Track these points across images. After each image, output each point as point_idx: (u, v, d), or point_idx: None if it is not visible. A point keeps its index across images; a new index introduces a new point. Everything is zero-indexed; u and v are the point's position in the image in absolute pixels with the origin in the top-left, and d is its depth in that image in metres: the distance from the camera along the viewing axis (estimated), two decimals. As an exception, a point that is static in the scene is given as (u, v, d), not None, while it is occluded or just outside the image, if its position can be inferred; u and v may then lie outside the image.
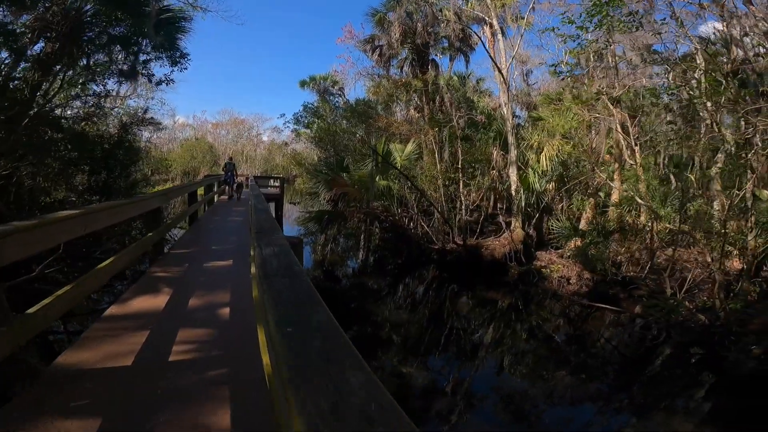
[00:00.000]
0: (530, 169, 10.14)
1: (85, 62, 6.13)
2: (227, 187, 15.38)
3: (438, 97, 16.17)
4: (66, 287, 2.43)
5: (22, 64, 6.35)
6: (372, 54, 15.79)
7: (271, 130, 63.90)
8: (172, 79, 7.86)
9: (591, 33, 9.47)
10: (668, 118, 13.93)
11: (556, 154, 9.80)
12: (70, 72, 6.18)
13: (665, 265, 8.93)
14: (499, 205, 10.99)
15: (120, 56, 6.40)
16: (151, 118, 8.88)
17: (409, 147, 10.74)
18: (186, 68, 7.54)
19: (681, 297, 7.21)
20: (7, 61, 6.48)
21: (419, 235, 11.38)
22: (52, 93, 6.00)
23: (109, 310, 3.26)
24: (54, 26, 5.51)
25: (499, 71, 10.66)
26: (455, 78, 19.15)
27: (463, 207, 9.82)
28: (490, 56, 11.15)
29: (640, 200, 8.09)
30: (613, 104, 11.02)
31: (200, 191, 11.95)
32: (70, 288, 2.46)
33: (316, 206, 11.40)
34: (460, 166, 9.83)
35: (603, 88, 11.63)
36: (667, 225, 8.09)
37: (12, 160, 5.75)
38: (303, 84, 22.66)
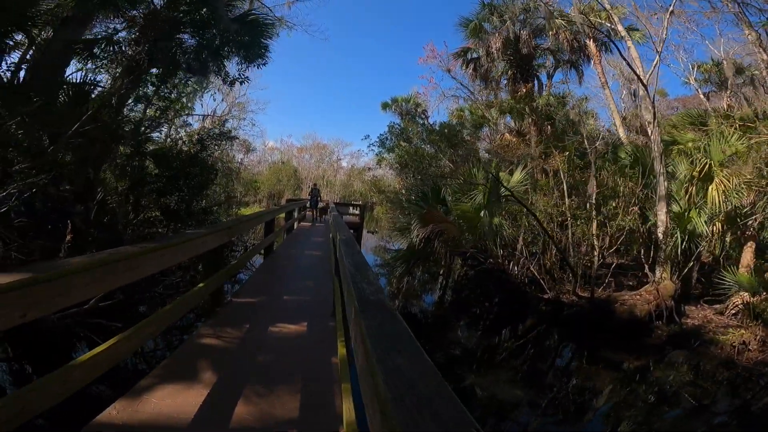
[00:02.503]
0: (694, 207, 7.51)
1: (163, 68, 5.60)
2: (308, 212, 15.11)
3: (535, 117, 14.07)
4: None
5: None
6: (466, 68, 14.34)
7: (350, 155, 65.85)
8: (246, 77, 7.28)
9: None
10: None
11: (734, 188, 7.12)
12: (153, 81, 5.75)
13: None
14: (641, 251, 8.42)
15: (194, 54, 5.79)
16: (230, 131, 8.35)
17: (517, 175, 8.79)
18: (266, 64, 6.86)
19: None
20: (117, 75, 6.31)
21: (524, 282, 9.26)
22: (131, 104, 5.61)
23: (108, 411, 1.94)
24: (145, 31, 5.08)
25: (640, 80, 8.41)
26: (552, 97, 16.96)
27: (596, 252, 7.52)
28: (628, 63, 8.98)
29: None
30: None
31: (280, 216, 11.28)
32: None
33: (400, 240, 9.92)
34: (594, 201, 7.61)
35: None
36: None
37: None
38: (385, 106, 21.94)
